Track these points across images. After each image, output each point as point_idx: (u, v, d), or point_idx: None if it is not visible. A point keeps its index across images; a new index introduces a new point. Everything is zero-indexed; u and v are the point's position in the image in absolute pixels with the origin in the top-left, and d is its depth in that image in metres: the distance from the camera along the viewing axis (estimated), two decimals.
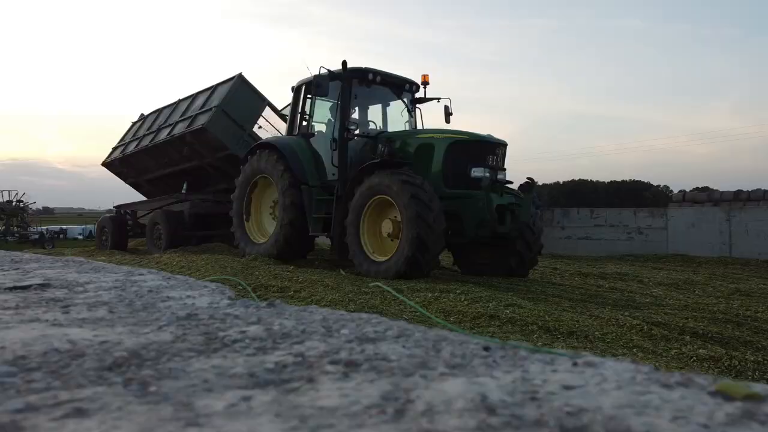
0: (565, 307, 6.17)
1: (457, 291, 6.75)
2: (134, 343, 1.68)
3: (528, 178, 8.55)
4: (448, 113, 9.77)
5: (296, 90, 9.82)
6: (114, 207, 15.37)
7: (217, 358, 1.53)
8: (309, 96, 9.46)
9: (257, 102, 12.70)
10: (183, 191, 13.28)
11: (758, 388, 1.20)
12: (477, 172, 7.91)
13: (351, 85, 8.72)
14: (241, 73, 12.06)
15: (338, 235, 8.15)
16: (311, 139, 9.54)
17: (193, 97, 13.05)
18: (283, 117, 12.60)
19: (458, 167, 8.03)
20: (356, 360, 1.48)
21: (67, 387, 1.28)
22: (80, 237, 29.15)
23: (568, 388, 1.22)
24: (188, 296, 2.52)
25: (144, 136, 14.21)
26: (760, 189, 22.44)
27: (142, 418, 1.09)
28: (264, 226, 9.96)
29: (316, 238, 10.02)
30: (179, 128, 12.64)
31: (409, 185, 7.11)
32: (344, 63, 8.51)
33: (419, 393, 1.21)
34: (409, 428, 1.04)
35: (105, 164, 15.53)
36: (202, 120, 11.85)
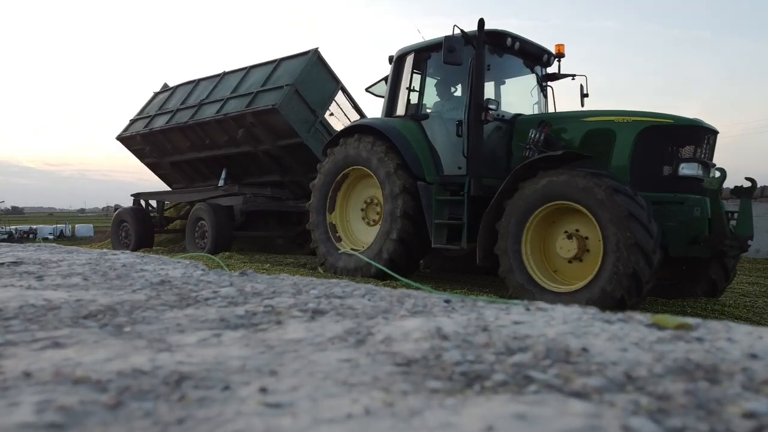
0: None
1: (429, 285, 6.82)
2: (109, 301, 1.73)
3: (747, 179, 6.26)
4: (583, 94, 7.59)
5: (397, 60, 7.56)
6: (132, 196, 12.42)
7: (189, 310, 1.60)
8: (416, 71, 7.32)
9: (331, 84, 10.59)
10: (221, 180, 11.05)
11: (690, 320, 1.31)
12: (689, 169, 5.81)
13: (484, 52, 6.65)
14: (317, 48, 10.30)
15: (483, 249, 5.95)
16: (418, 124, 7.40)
17: (247, 71, 10.97)
18: (353, 101, 10.84)
19: (652, 161, 5.92)
20: (323, 309, 1.56)
21: (44, 329, 1.34)
22: (51, 237, 28.60)
23: (517, 323, 1.32)
24: (162, 268, 2.57)
25: (177, 110, 11.74)
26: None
27: (119, 348, 1.16)
28: (351, 230, 7.63)
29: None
30: (233, 106, 10.51)
31: (622, 196, 5.13)
32: (481, 21, 6.46)
33: (380, 329, 1.30)
34: (368, 351, 1.12)
35: (121, 138, 12.88)
36: (270, 99, 9.87)
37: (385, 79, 8.02)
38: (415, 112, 7.20)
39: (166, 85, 13.04)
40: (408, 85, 7.39)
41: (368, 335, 1.24)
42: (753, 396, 0.82)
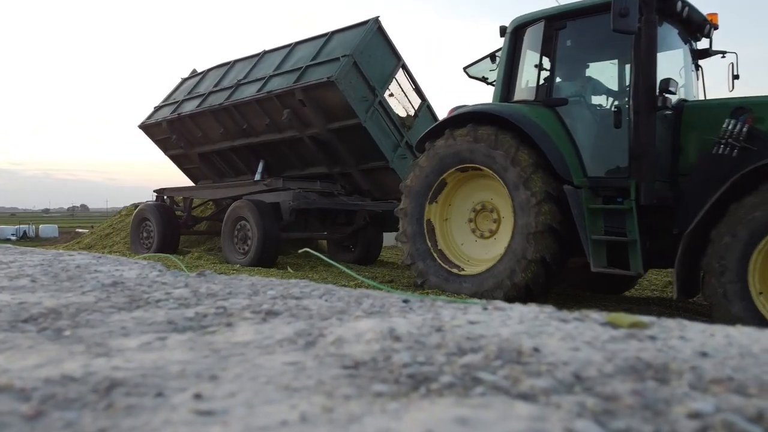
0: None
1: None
2: (54, 304, 1.66)
3: None
4: (734, 75, 6.07)
5: (514, 32, 6.01)
6: (155, 192, 10.95)
7: (138, 312, 1.54)
8: (546, 44, 5.72)
9: (392, 60, 9.20)
10: (258, 174, 9.65)
11: (644, 318, 1.31)
12: None
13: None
14: (377, 17, 9.00)
15: (681, 279, 4.53)
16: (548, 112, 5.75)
17: (291, 48, 9.61)
18: (414, 82, 9.51)
19: None
20: (277, 310, 1.52)
21: None
22: (13, 238, 27.84)
23: (473, 323, 1.29)
24: (117, 269, 2.49)
25: (210, 93, 10.35)
26: None
27: (53, 353, 1.10)
28: (455, 243, 5.97)
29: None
30: (278, 83, 9.17)
31: None
32: None
33: (332, 330, 1.26)
34: (316, 354, 1.08)
35: (144, 126, 11.48)
36: (325, 72, 8.54)
37: (491, 56, 6.68)
38: (547, 97, 5.61)
39: (194, 70, 11.78)
40: (537, 63, 5.78)
41: (319, 337, 1.21)
42: (700, 396, 0.81)
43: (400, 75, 9.28)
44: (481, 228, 5.77)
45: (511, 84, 6.00)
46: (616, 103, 5.48)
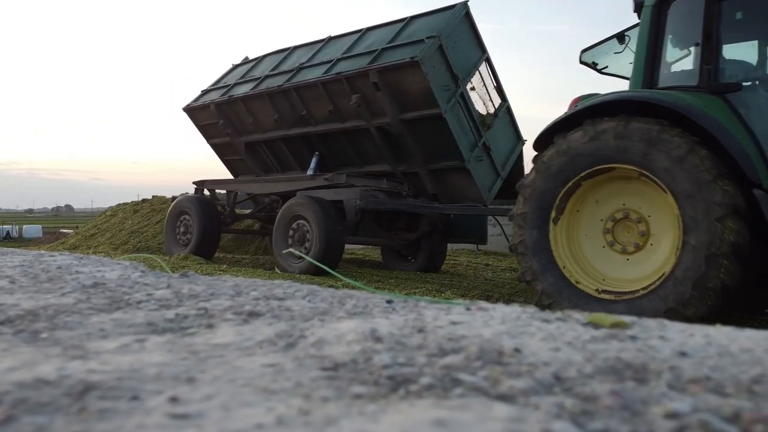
0: (492, 301, 6.28)
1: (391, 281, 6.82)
2: (32, 306, 1.63)
3: None
4: None
5: (656, 7, 4.87)
6: (194, 183, 9.92)
7: (117, 314, 1.52)
8: (706, 29, 4.57)
9: (477, 51, 8.30)
10: (311, 170, 8.73)
11: (626, 318, 1.31)
12: None
13: None
14: (466, 2, 8.05)
15: None
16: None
17: (362, 33, 8.69)
18: (497, 79, 8.57)
19: None
20: (259, 311, 1.51)
21: None
22: None
23: (455, 323, 1.29)
24: (99, 270, 2.45)
25: (266, 77, 9.39)
26: None
27: (28, 356, 1.08)
28: (586, 258, 4.79)
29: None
30: (348, 65, 8.22)
31: None
32: None
33: (313, 331, 1.25)
34: (296, 355, 1.08)
35: (189, 110, 10.53)
36: (406, 53, 7.56)
37: (619, 36, 5.78)
38: (713, 81, 4.52)
39: (246, 57, 11.02)
40: (702, 43, 4.65)
41: (300, 338, 1.20)
42: (678, 395, 0.81)
43: (483, 69, 8.47)
44: (621, 241, 4.63)
45: (655, 67, 4.94)
46: None
